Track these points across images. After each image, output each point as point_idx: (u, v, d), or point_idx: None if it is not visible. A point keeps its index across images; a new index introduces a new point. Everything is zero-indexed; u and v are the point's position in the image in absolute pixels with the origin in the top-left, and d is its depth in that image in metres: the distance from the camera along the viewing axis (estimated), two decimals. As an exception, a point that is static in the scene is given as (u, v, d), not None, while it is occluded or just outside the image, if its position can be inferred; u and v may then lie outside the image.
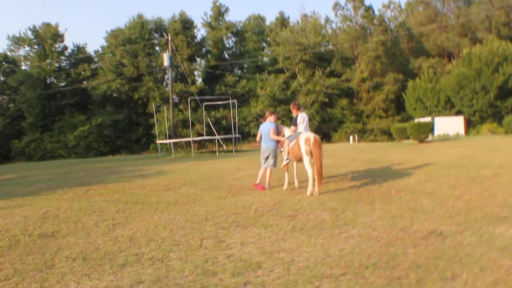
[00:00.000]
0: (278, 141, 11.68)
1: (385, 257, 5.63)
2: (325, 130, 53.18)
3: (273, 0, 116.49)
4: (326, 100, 52.86)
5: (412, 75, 50.43)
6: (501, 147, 19.24)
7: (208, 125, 33.82)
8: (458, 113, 38.67)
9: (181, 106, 50.03)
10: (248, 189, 11.75)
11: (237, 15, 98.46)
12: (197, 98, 37.77)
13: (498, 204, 8.30)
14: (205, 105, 35.99)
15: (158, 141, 33.23)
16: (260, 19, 64.96)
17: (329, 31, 60.58)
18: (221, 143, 31.73)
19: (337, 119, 53.98)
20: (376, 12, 56.13)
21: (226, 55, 60.58)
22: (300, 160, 10.86)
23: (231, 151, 30.85)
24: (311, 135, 10.46)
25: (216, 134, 33.25)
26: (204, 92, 49.60)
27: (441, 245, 5.99)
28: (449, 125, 31.36)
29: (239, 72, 59.37)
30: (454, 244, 6.01)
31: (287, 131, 11.79)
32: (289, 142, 11.09)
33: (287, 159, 11.25)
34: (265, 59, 60.46)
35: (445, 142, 25.35)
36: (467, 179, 11.23)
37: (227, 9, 60.17)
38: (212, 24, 59.08)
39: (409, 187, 10.63)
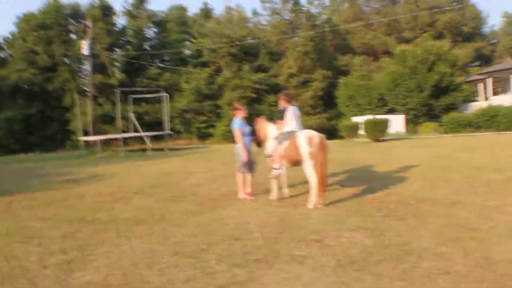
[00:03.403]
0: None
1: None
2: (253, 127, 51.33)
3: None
4: (254, 95, 50.88)
5: (339, 72, 49.72)
6: (469, 146, 18.19)
7: (133, 121, 30.84)
8: (391, 111, 38.07)
9: (100, 100, 46.23)
10: (223, 199, 9.48)
11: (158, 4, 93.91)
12: (122, 90, 34.39)
13: None
14: (132, 99, 32.84)
15: (82, 138, 29.77)
16: (182, 9, 61.91)
17: (257, 24, 58.78)
18: (146, 140, 28.85)
19: (265, 115, 52.11)
20: (304, 8, 54.76)
21: (146, 46, 56.95)
22: (295, 164, 8.71)
23: (163, 150, 28.11)
24: (315, 134, 8.30)
25: (141, 130, 30.35)
26: (125, 84, 45.72)
27: None
28: (390, 123, 30.38)
29: (160, 64, 56.06)
30: None
31: (271, 128, 9.55)
32: (279, 145, 8.82)
33: (279, 167, 8.93)
34: (187, 52, 57.69)
35: (399, 141, 24.11)
36: (480, 184, 9.67)
37: (148, -3, 56.88)
38: (133, 12, 55.39)
39: (422, 195, 8.88)
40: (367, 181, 10.79)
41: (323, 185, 8.11)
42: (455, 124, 30.39)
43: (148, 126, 42.60)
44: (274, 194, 9.08)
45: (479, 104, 34.81)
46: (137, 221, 7.68)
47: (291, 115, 8.89)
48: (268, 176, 9.33)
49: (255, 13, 58.66)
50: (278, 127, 9.07)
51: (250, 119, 9.90)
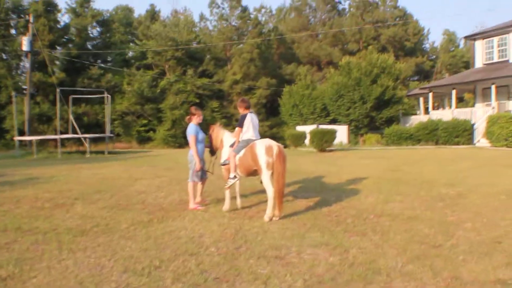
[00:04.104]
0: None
1: None
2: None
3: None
4: (197, 100, 50.24)
5: (283, 81, 49.89)
6: (414, 159, 18.44)
7: (72, 122, 29.64)
8: (333, 121, 38.35)
9: (38, 98, 44.28)
10: (172, 209, 9.02)
11: (104, 4, 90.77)
12: (62, 89, 33.00)
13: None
14: (72, 99, 31.54)
15: (17, 138, 28.32)
16: (128, 10, 60.61)
17: (204, 29, 58.29)
18: (85, 142, 27.71)
19: (206, 121, 51.53)
20: (252, 15, 54.77)
21: (89, 46, 55.21)
22: (251, 174, 8.34)
23: (103, 152, 27.12)
24: (273, 144, 7.93)
25: (79, 131, 29.24)
26: (65, 84, 44.02)
27: None
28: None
29: (103, 65, 54.47)
30: None
31: (227, 136, 9.12)
32: (235, 154, 8.39)
33: (234, 177, 8.46)
34: (131, 53, 56.49)
35: (344, 152, 24.20)
36: (433, 199, 9.61)
37: (94, -5, 55.11)
38: (77, 10, 53.59)
39: (379, 209, 8.73)
40: (320, 192, 10.57)
41: (281, 197, 7.76)
42: (396, 137, 30.86)
43: (86, 127, 41.26)
44: (227, 205, 8.66)
45: (419, 118, 35.56)
46: (81, 231, 7.11)
47: (249, 122, 8.49)
48: (223, 186, 8.90)
49: (202, 17, 58.20)
50: (235, 134, 8.65)
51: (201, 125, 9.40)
